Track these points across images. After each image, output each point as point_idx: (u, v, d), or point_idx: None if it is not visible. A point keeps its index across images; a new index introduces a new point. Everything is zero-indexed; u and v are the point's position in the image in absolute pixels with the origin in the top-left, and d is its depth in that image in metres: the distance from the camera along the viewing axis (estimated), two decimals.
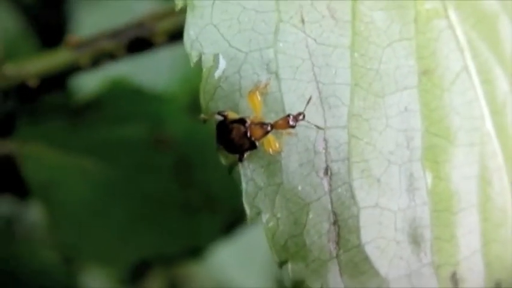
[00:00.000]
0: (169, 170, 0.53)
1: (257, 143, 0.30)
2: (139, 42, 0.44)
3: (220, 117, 0.30)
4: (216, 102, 0.31)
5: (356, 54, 0.32)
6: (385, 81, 0.33)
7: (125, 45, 0.44)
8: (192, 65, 0.30)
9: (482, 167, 0.34)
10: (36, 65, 0.45)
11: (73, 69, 0.45)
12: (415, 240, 0.32)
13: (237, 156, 0.30)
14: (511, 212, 0.35)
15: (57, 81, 0.46)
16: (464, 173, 0.34)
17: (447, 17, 0.35)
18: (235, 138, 0.30)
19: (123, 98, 0.52)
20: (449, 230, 0.33)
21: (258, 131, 0.29)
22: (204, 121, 0.31)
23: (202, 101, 0.31)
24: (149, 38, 0.44)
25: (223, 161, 0.31)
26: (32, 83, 0.44)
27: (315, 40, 0.32)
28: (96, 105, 0.52)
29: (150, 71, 0.62)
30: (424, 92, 0.33)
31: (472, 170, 0.34)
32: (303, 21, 0.32)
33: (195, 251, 0.60)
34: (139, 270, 0.71)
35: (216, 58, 0.30)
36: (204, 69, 0.30)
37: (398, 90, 0.33)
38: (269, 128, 0.29)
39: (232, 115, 0.30)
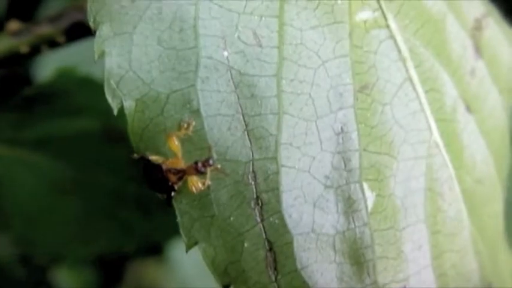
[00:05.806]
0: (123, 164, 0.52)
1: (176, 186, 0.31)
2: (79, 27, 0.42)
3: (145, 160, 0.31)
4: (145, 143, 0.32)
5: (284, 81, 0.32)
6: (318, 104, 0.32)
7: (64, 31, 0.43)
8: (115, 113, 0.31)
9: (430, 179, 0.34)
10: None
11: (14, 57, 0.44)
12: (357, 261, 0.33)
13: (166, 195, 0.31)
14: (467, 220, 0.35)
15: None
16: (410, 187, 0.33)
17: (387, 26, 0.33)
18: (157, 181, 0.31)
19: (74, 89, 0.50)
20: (396, 247, 0.33)
21: (173, 177, 0.30)
22: (137, 161, 0.32)
23: (133, 142, 0.32)
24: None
25: (159, 196, 0.33)
26: None
27: (239, 71, 0.32)
28: (46, 96, 0.51)
29: None
30: (361, 110, 0.33)
31: (418, 184, 0.33)
32: (226, 53, 0.32)
33: (154, 249, 0.59)
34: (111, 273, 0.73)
35: (138, 103, 0.31)
36: (127, 116, 0.31)
37: (333, 112, 0.32)
38: (182, 174, 0.30)
39: (154, 159, 0.31)
